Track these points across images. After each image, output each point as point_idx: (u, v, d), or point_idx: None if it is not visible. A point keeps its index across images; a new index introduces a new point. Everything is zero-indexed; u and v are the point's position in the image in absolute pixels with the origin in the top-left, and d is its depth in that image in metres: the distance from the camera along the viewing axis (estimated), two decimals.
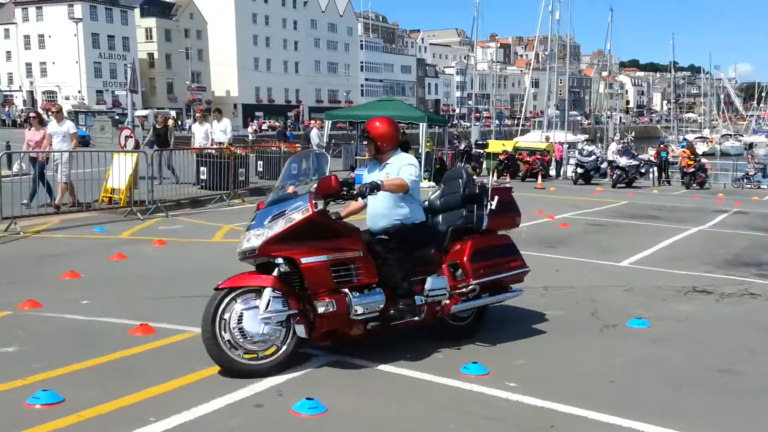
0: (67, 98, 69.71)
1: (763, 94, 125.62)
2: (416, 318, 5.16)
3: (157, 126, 17.64)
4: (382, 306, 4.96)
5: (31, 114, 13.66)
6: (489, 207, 5.64)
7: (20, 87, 76.14)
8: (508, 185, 6.27)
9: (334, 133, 29.70)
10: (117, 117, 50.40)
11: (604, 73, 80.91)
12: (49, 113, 13.86)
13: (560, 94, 62.78)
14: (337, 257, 4.81)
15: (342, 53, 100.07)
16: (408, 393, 4.53)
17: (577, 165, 24.17)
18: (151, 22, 78.55)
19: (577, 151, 26.08)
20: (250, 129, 51.11)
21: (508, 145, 26.77)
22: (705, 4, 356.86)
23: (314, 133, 20.10)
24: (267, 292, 4.67)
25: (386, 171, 5.28)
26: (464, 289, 5.38)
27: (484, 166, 26.67)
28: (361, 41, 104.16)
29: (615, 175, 22.74)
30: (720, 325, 6.38)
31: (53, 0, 72.30)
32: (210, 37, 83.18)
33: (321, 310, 4.70)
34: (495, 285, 5.68)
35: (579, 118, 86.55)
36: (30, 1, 74.48)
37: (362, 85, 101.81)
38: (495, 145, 27.51)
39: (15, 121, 63.49)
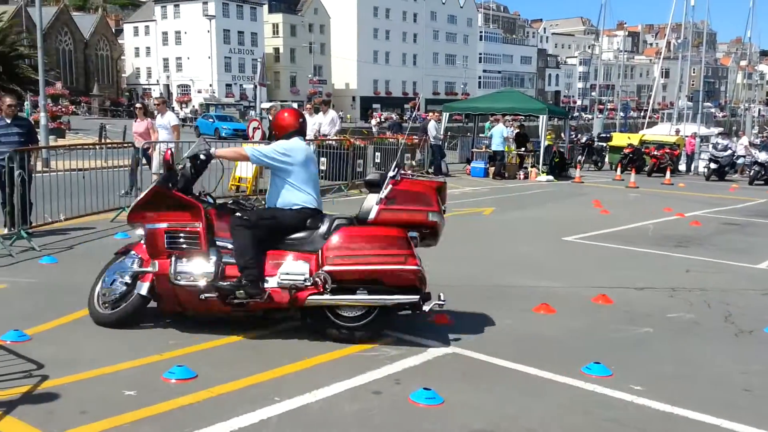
0: (199, 91, 74.02)
1: None
2: (258, 299, 5.03)
3: (271, 119, 17.94)
4: (209, 278, 5.05)
5: (137, 105, 13.92)
6: (380, 197, 5.20)
7: (158, 81, 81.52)
8: (437, 179, 5.64)
9: (450, 125, 29.64)
10: (243, 109, 52.78)
11: (743, 63, 75.43)
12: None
13: (693, 84, 59.18)
14: (174, 226, 5.19)
15: (461, 45, 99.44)
16: (527, 391, 4.46)
17: (710, 160, 22.69)
18: (278, 17, 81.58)
19: (710, 145, 24.45)
20: (373, 121, 51.92)
21: (634, 139, 25.53)
22: None
23: (431, 125, 20.13)
24: (130, 254, 5.41)
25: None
26: (318, 279, 5.03)
27: (607, 160, 25.66)
28: (481, 32, 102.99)
29: (752, 172, 21.18)
30: None
31: None
32: (332, 31, 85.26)
33: (149, 268, 5.20)
34: (371, 282, 5.09)
35: (713, 110, 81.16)
36: (169, 0, 79.47)
37: (480, 77, 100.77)
38: (619, 138, 26.33)
39: (153, 113, 68.23)
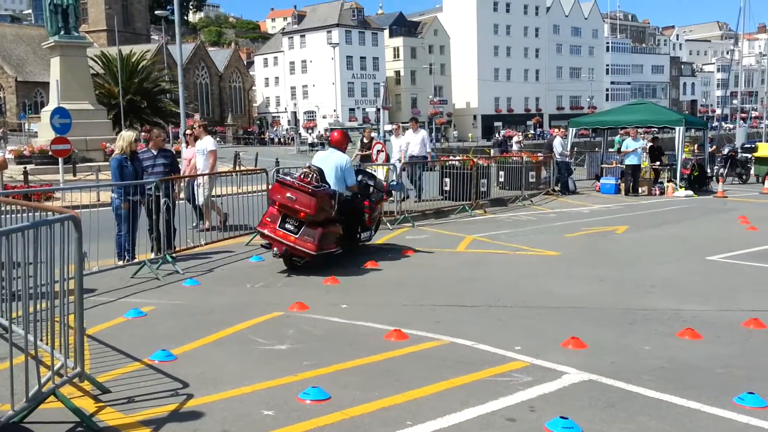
0: (324, 117, 76.75)
1: None
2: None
3: (364, 140, 16.09)
4: None
5: (187, 131, 12.80)
6: None
7: (285, 108, 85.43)
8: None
9: (576, 141, 28.74)
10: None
11: None
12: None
13: None
14: None
15: (585, 57, 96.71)
16: (673, 422, 4.16)
17: None
18: (398, 41, 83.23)
19: None
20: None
21: None
22: None
23: (557, 142, 19.61)
24: None
25: None
26: None
27: (753, 172, 23.82)
28: (607, 43, 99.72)
29: None
30: None
31: (314, 28, 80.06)
32: (452, 51, 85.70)
33: None
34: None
35: None
36: (295, 31, 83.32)
37: (607, 89, 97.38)
38: (766, 149, 24.39)
39: (281, 140, 71.48)
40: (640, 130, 22.83)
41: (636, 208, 15.70)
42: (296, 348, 5.59)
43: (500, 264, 9.34)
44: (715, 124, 55.68)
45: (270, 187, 9.83)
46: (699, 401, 4.42)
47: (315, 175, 8.55)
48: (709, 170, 22.07)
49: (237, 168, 23.47)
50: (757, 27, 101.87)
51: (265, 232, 8.46)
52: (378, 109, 15.52)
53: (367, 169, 11.30)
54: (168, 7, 67.13)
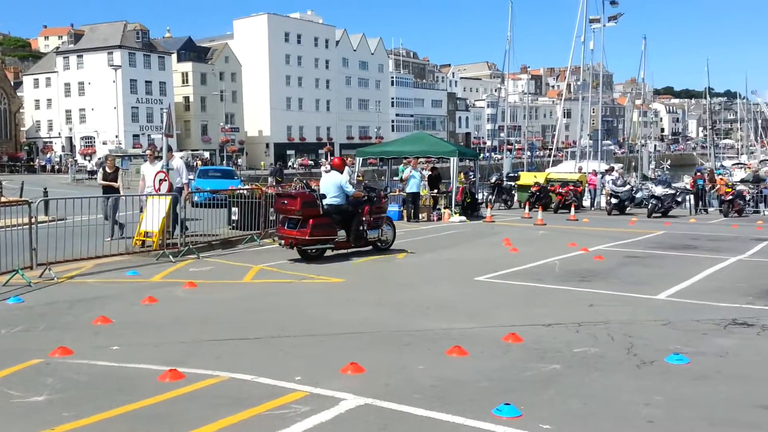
0: (104, 143, 71.76)
1: None
2: None
3: (107, 170, 14.89)
4: None
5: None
6: None
7: (59, 133, 78.55)
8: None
9: (365, 169, 29.94)
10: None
11: (638, 102, 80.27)
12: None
13: (593, 123, 62.30)
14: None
15: (373, 90, 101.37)
16: None
17: (611, 195, 23.84)
18: (187, 66, 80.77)
19: (610, 181, 25.74)
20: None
21: (540, 177, 26.56)
22: (739, 28, 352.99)
23: (345, 171, 20.17)
24: None
25: None
26: None
27: (516, 198, 26.49)
28: (392, 77, 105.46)
29: (650, 205, 22.36)
30: (761, 359, 6.13)
31: (94, 49, 74.90)
32: (244, 78, 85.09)
33: None
34: None
35: (612, 147, 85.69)
36: (72, 50, 77.28)
37: (393, 121, 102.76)
38: (526, 177, 27.33)
39: (54, 167, 65.48)
40: (421, 159, 24.39)
41: (416, 234, 16.66)
42: (55, 398, 5.08)
43: (286, 293, 9.35)
44: (487, 155, 61.18)
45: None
46: (462, 416, 4.74)
47: (301, 185, 13.22)
48: (479, 197, 24.15)
49: None
50: (520, 68, 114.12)
51: (277, 233, 12.35)
52: (162, 137, 14.76)
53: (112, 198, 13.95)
54: None
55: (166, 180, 13.30)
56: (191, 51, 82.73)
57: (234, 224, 15.19)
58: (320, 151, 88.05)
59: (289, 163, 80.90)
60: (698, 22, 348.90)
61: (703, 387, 5.38)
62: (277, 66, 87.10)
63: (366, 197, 12.80)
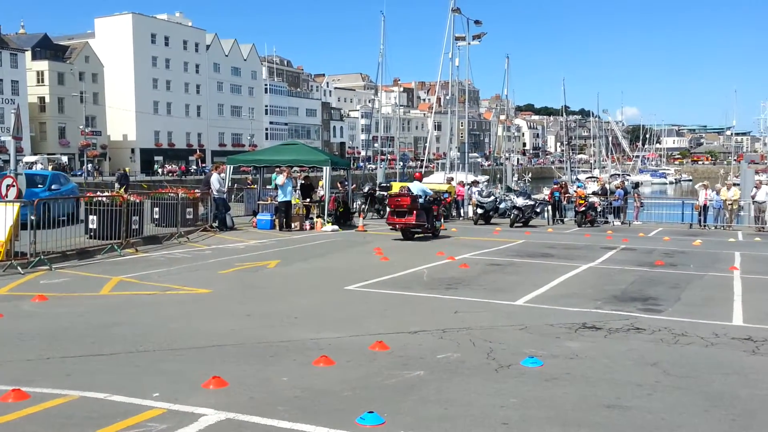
0: None
1: (648, 136, 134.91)
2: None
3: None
4: None
5: None
6: None
7: None
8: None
9: (237, 177, 29.27)
10: (2, 163, 47.78)
11: (502, 117, 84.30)
12: None
13: (461, 136, 64.82)
14: None
15: (246, 97, 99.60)
16: None
17: (477, 206, 24.83)
18: (43, 65, 75.38)
19: (476, 192, 26.81)
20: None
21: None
22: (593, 50, 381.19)
23: (214, 178, 19.69)
24: None
25: None
26: None
27: (388, 208, 26.93)
28: (266, 85, 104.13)
29: (512, 215, 23.50)
30: (608, 360, 6.59)
31: None
32: (107, 80, 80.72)
33: None
34: None
35: (479, 159, 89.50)
36: None
37: (267, 129, 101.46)
38: (398, 188, 27.86)
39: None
40: (295, 168, 24.27)
41: (288, 243, 16.52)
42: None
43: (148, 306, 8.93)
44: (361, 164, 61.89)
45: None
46: (326, 426, 4.73)
47: (407, 189, 18.38)
48: (352, 206, 24.34)
49: None
50: (392, 81, 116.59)
51: (388, 221, 18.15)
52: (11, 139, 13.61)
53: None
54: None
55: (14, 185, 12.32)
56: (48, 49, 77.29)
57: (92, 233, 14.32)
58: (191, 158, 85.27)
59: (157, 169, 77.67)
60: (556, 44, 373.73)
61: (555, 388, 5.70)
62: (143, 68, 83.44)
63: (435, 199, 18.75)
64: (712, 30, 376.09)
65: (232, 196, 25.92)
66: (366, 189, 27.09)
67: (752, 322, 8.29)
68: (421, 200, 17.70)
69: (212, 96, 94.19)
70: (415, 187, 18.40)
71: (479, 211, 24.53)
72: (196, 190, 20.84)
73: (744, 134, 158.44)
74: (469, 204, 27.36)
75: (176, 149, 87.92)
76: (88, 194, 15.17)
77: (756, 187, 24.49)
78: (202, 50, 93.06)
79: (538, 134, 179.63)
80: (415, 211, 17.24)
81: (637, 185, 33.91)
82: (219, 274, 11.55)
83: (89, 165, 66.62)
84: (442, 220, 19.49)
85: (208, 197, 19.49)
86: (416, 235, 17.82)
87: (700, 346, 7.12)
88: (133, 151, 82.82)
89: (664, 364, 6.44)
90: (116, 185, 29.14)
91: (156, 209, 17.68)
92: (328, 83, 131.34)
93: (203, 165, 78.62)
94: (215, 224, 19.16)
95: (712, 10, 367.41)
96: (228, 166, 22.48)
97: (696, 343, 7.23)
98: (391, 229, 18.22)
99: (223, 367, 6.05)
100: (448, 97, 67.99)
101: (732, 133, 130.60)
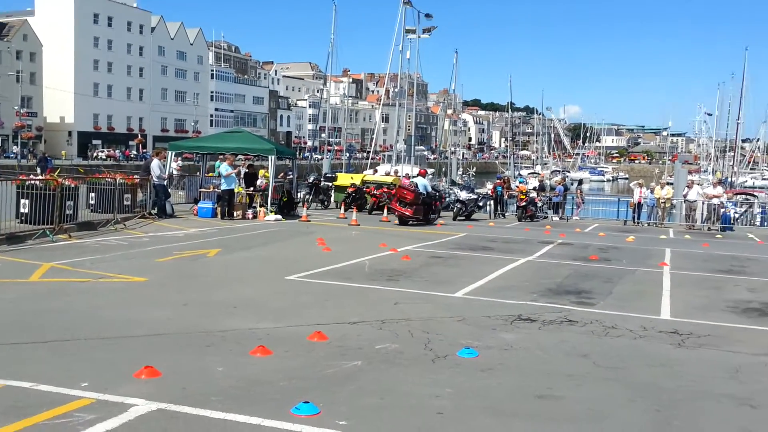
0: None
1: (588, 134, 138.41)
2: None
3: None
4: None
5: None
6: None
7: None
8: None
9: (181, 164, 28.70)
10: None
11: (450, 111, 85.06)
12: None
13: (409, 129, 65.07)
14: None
15: (191, 82, 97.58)
16: None
17: None
18: None
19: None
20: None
21: (357, 179, 27.16)
22: (538, 49, 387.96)
23: (155, 164, 19.23)
24: None
25: None
26: None
27: (333, 198, 26.88)
28: (212, 70, 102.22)
29: (456, 209, 23.78)
30: (541, 352, 6.76)
31: None
32: (45, 60, 77.78)
33: None
34: None
35: (426, 152, 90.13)
36: None
37: (212, 115, 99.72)
38: (344, 178, 27.82)
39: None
40: (240, 156, 23.92)
41: (230, 232, 16.29)
42: None
43: (80, 294, 8.68)
44: (307, 154, 61.47)
45: None
46: (260, 416, 4.69)
47: (414, 183, 20.51)
48: (297, 196, 24.18)
49: None
50: (342, 71, 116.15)
51: (393, 208, 20.18)
52: None
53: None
54: None
55: None
56: None
57: (23, 218, 13.81)
58: (131, 143, 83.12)
59: (93, 154, 75.33)
60: (503, 41, 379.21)
61: (489, 379, 5.81)
62: (84, 49, 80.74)
63: (436, 196, 21.79)
64: (653, 34, 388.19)
65: (173, 183, 25.42)
66: (311, 179, 26.91)
67: (679, 316, 8.62)
68: (423, 196, 20.17)
69: (156, 80, 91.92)
70: (420, 183, 20.87)
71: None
72: (135, 176, 20.34)
73: (679, 135, 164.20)
74: None
75: (116, 133, 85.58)
76: (21, 177, 14.57)
77: (688, 186, 25.46)
78: (147, 32, 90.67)
79: (483, 129, 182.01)
80: (415, 206, 19.79)
81: (580, 182, 34.86)
82: (156, 262, 11.31)
83: (24, 148, 64.16)
84: (439, 214, 21.94)
85: (147, 183, 19.04)
86: (410, 223, 19.84)
87: (629, 339, 7.37)
88: (70, 134, 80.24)
89: (594, 355, 6.64)
90: (38, 169, 28.10)
91: (92, 194, 17.15)
92: (276, 71, 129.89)
93: (144, 150, 76.65)
94: (154, 211, 18.74)
95: (651, 16, 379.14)
96: (169, 152, 22.03)
97: (625, 336, 7.48)
98: (388, 213, 21.03)
99: (157, 357, 5.94)
100: (396, 90, 68.20)
101: (668, 134, 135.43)
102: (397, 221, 20.22)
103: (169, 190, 20.65)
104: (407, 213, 19.78)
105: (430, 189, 20.86)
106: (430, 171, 53.42)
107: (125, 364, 5.70)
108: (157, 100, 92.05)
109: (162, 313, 7.72)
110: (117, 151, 77.78)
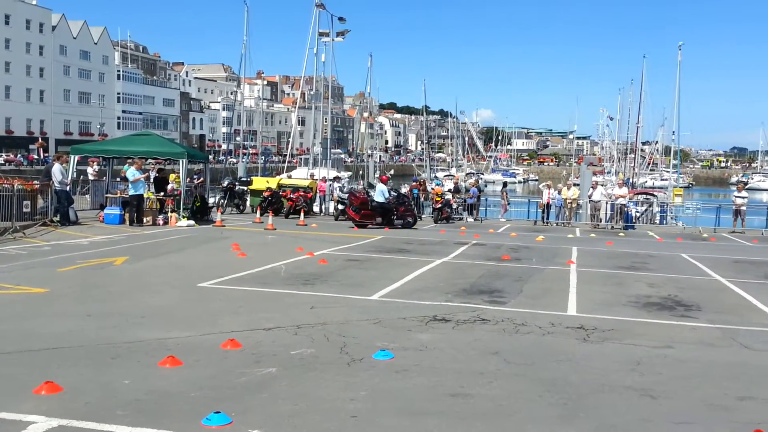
0: None
1: (500, 137, 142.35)
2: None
3: None
4: None
5: None
6: None
7: None
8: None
9: (83, 168, 27.43)
10: None
11: (366, 114, 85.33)
12: None
13: (325, 132, 64.85)
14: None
15: (96, 83, 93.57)
16: None
17: (338, 201, 24.96)
18: None
19: (338, 188, 26.96)
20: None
21: (272, 182, 26.82)
22: (452, 54, 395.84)
23: (56, 169, 18.31)
24: None
25: None
26: None
27: (248, 203, 26.43)
28: (119, 71, 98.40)
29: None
30: (455, 351, 6.87)
31: None
32: None
33: None
34: None
35: (342, 156, 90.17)
36: None
37: (119, 118, 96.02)
38: (259, 182, 27.42)
39: None
40: (150, 160, 23.14)
41: (139, 239, 15.72)
42: None
43: None
44: (222, 158, 60.15)
45: None
46: (169, 429, 4.55)
47: (365, 190, 25.77)
48: (210, 201, 23.63)
49: None
50: (256, 73, 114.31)
51: (346, 212, 21.75)
52: None
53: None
54: None
55: None
56: None
57: None
58: (32, 146, 78.87)
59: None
60: (417, 46, 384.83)
61: (404, 380, 5.86)
62: None
63: (400, 201, 22.07)
64: (560, 40, 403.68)
65: (78, 188, 24.32)
66: (225, 183, 26.37)
67: (584, 312, 8.98)
68: (381, 200, 21.21)
69: (58, 80, 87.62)
70: (379, 189, 21.70)
71: (340, 207, 24.66)
72: (35, 182, 19.31)
73: (585, 138, 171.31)
74: (330, 200, 27.44)
75: (14, 137, 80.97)
76: None
77: (593, 187, 26.60)
78: (47, 31, 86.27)
79: (400, 132, 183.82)
80: (363, 210, 21.14)
81: (505, 185, 35.47)
82: (58, 272, 10.77)
83: None
84: (410, 219, 21.92)
85: (48, 189, 18.10)
86: (369, 226, 20.79)
87: (537, 335, 7.61)
88: None
89: (504, 353, 6.82)
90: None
91: None
92: (187, 72, 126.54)
93: (46, 155, 72.92)
94: (56, 218, 17.83)
95: (558, 21, 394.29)
96: (72, 156, 21.03)
97: (534, 333, 7.72)
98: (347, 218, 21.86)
99: (58, 372, 5.65)
100: (312, 93, 67.78)
101: (574, 137, 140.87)
102: (355, 226, 20.88)
103: (73, 196, 19.73)
104: (356, 218, 20.99)
105: (387, 195, 21.40)
106: (346, 174, 53.51)
107: (24, 380, 5.40)
108: (59, 102, 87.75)
109: (63, 326, 7.36)
110: (19, 155, 73.64)
